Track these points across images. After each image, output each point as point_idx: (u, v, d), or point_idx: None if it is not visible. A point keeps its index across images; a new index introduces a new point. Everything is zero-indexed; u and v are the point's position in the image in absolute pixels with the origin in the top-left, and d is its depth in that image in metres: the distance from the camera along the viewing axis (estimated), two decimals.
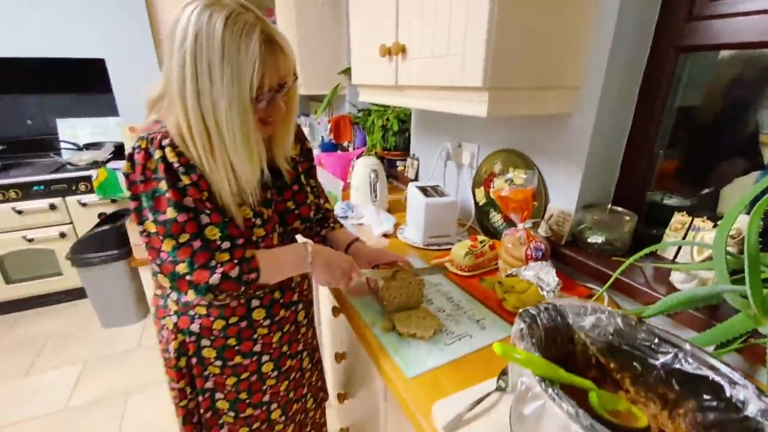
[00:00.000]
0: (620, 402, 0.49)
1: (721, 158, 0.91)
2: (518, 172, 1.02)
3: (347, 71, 2.31)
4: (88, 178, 2.16)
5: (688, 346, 0.45)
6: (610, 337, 0.50)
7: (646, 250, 0.69)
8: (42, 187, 2.10)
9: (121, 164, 2.23)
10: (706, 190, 0.92)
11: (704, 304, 0.64)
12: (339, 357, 1.14)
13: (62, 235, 2.19)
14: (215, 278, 0.61)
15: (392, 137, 1.75)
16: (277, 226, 0.77)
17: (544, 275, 0.82)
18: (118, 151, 2.41)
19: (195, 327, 0.73)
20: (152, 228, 0.62)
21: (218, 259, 0.62)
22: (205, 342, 0.74)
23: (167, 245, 0.61)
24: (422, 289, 0.85)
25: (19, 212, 2.07)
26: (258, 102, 0.63)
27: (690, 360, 0.45)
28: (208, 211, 0.63)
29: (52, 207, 2.13)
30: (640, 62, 0.89)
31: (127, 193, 0.64)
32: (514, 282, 0.84)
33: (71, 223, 2.21)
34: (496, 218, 1.22)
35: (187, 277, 0.61)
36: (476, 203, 1.30)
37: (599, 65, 0.85)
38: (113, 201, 2.25)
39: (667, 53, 0.86)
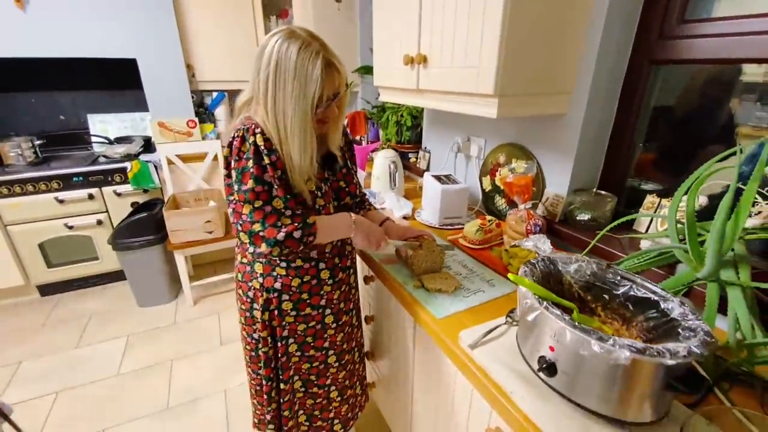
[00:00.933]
0: (594, 322, 0.70)
1: (692, 149, 1.10)
2: (520, 162, 1.23)
3: (360, 70, 2.49)
4: (122, 170, 2.34)
5: (638, 280, 0.66)
6: (588, 277, 0.71)
7: (617, 222, 0.90)
8: (81, 178, 2.27)
9: (151, 156, 2.42)
10: (677, 176, 1.12)
11: (660, 262, 0.85)
12: (369, 319, 1.35)
13: (99, 222, 2.37)
14: (281, 235, 0.81)
15: (406, 132, 1.94)
16: (332, 200, 0.97)
17: (541, 245, 1.03)
18: (147, 145, 2.59)
19: (278, 285, 0.94)
20: (236, 196, 0.82)
21: (283, 221, 0.82)
22: (285, 297, 0.95)
23: (246, 209, 0.81)
24: (443, 257, 1.06)
25: (61, 201, 2.25)
26: (317, 108, 0.83)
27: (640, 288, 0.66)
28: (276, 186, 0.82)
29: (90, 197, 2.31)
30: (621, 71, 1.09)
31: (224, 172, 0.85)
32: (518, 251, 1.05)
33: (107, 211, 2.39)
34: (500, 202, 1.43)
35: (261, 233, 0.80)
36: (483, 190, 1.50)
37: (587, 74, 1.05)
38: (145, 191, 2.44)
39: (642, 65, 1.06)
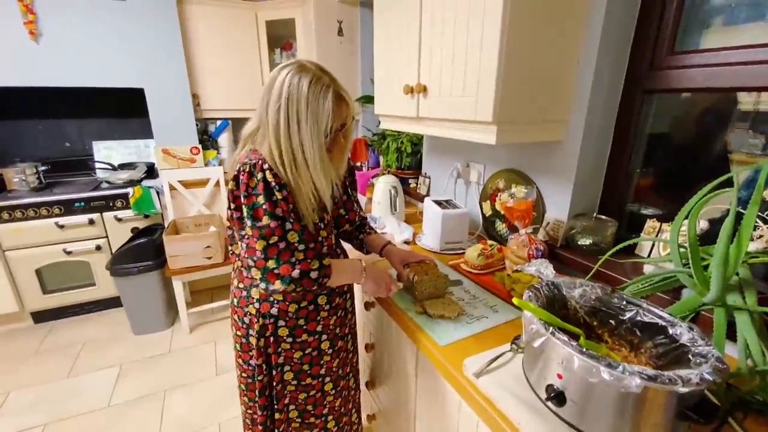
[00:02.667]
0: (601, 349, 0.68)
1: (689, 174, 1.11)
2: (520, 188, 1.24)
3: (361, 99, 2.56)
4: (124, 196, 2.35)
5: (644, 305, 0.65)
6: (593, 302, 0.70)
7: (619, 246, 0.90)
8: (82, 203, 2.28)
9: (154, 182, 2.44)
10: (676, 201, 1.13)
11: (665, 287, 0.84)
12: (369, 347, 1.32)
13: (98, 248, 2.36)
14: (296, 272, 0.81)
15: (406, 158, 1.97)
16: (333, 228, 0.97)
17: (544, 269, 1.02)
18: (150, 171, 2.62)
19: (274, 310, 0.92)
20: (250, 232, 0.81)
21: (296, 257, 0.82)
22: (281, 323, 0.93)
23: (259, 245, 0.80)
24: (447, 283, 1.05)
25: (61, 227, 2.25)
26: (325, 138, 0.84)
27: (647, 314, 0.65)
28: (291, 221, 0.83)
29: (91, 222, 2.31)
30: (615, 100, 1.12)
31: (231, 206, 0.84)
32: (520, 276, 1.04)
33: (106, 236, 2.38)
34: (501, 227, 1.43)
35: (275, 271, 0.80)
36: (483, 215, 1.50)
37: (582, 103, 1.08)
38: (146, 216, 2.44)
39: (635, 94, 1.09)
